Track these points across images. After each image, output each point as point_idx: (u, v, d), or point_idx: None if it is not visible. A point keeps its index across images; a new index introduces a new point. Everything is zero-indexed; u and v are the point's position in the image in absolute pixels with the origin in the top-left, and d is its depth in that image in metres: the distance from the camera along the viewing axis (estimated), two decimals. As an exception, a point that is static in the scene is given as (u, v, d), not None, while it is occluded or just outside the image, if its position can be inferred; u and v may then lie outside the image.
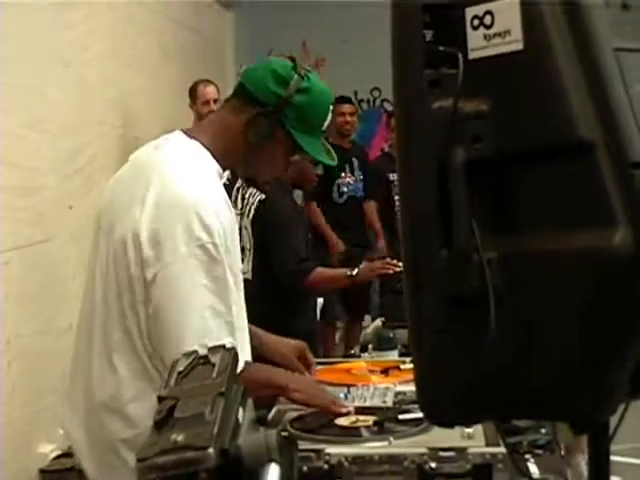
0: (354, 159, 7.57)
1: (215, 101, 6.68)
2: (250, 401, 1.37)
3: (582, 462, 3.06)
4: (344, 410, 2.67)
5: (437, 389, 1.73)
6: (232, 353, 1.36)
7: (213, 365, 1.33)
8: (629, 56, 1.59)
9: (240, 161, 2.49)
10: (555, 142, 1.55)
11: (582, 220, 1.55)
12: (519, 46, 1.57)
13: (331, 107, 2.55)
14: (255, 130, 2.40)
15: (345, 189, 7.47)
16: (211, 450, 1.19)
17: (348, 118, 7.54)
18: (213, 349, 1.37)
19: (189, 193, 2.32)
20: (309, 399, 2.68)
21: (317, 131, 2.51)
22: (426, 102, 1.63)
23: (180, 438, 1.16)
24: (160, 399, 1.26)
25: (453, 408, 1.72)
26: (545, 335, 1.63)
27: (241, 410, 1.29)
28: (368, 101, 10.18)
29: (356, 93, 9.94)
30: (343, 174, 7.43)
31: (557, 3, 1.55)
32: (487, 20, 1.60)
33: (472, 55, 1.61)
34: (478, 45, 1.61)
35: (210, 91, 6.77)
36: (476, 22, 1.61)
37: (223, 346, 1.39)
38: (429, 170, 1.62)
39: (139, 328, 2.32)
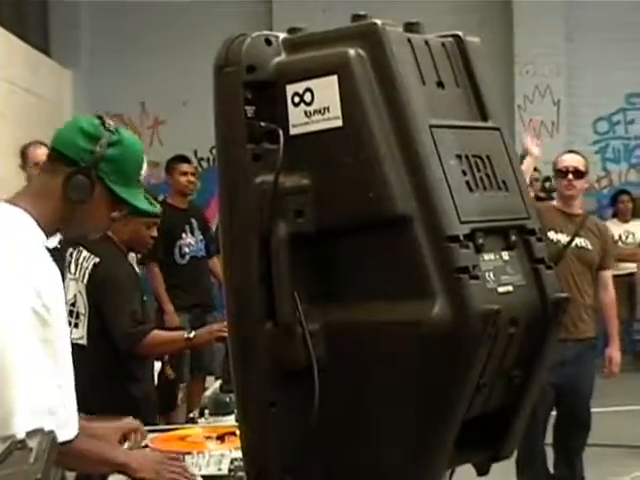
0: (192, 219, 7.53)
1: None
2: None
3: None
4: None
5: (265, 459, 1.73)
6: (50, 437, 1.33)
7: (30, 450, 1.30)
8: (444, 132, 1.65)
9: (64, 223, 2.47)
10: (373, 217, 1.59)
11: (402, 292, 1.59)
12: (338, 123, 1.61)
13: (144, 157, 2.57)
14: (73, 188, 2.41)
15: (187, 250, 7.40)
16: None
17: (190, 177, 7.51)
18: (31, 433, 1.34)
19: (14, 257, 2.29)
20: (156, 477, 2.60)
21: (134, 182, 2.52)
22: (248, 176, 1.65)
23: (-9, 530, 1.13)
24: (-27, 488, 1.22)
25: (282, 478, 1.72)
26: (372, 404, 1.66)
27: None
28: (208, 159, 10.20)
29: (196, 152, 9.95)
30: (184, 235, 7.38)
31: (375, 82, 1.60)
32: (307, 97, 1.64)
33: (293, 131, 1.65)
34: (299, 121, 1.64)
35: (40, 153, 6.53)
36: (297, 99, 1.64)
37: (42, 430, 1.36)
38: (251, 243, 1.64)
39: None
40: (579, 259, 4.62)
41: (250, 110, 1.66)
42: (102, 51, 10.10)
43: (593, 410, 4.83)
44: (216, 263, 7.59)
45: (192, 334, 4.20)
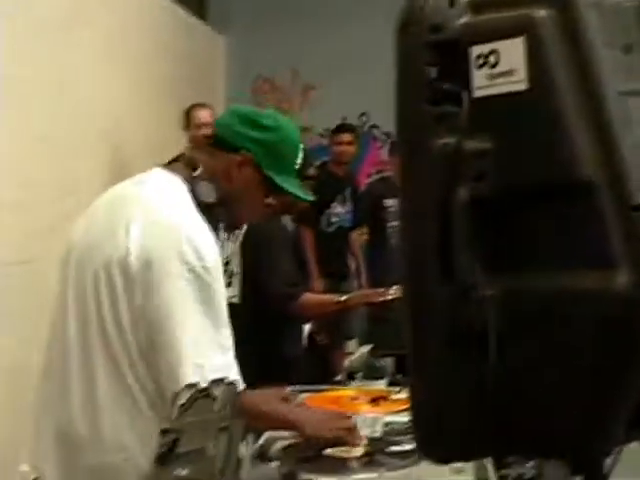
0: (347, 189, 7.58)
1: (208, 125, 6.63)
2: (250, 436, 1.37)
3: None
4: (358, 441, 2.66)
5: (434, 424, 1.72)
6: (233, 387, 1.36)
7: (214, 399, 1.33)
8: (632, 99, 1.60)
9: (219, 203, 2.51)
10: (557, 182, 1.56)
11: (583, 261, 1.56)
12: (523, 86, 1.58)
13: (301, 146, 2.59)
14: (229, 173, 2.47)
15: (334, 219, 7.46)
16: (214, 485, 1.19)
17: (346, 147, 7.55)
18: (214, 382, 1.37)
19: (176, 220, 2.35)
20: (325, 434, 2.62)
21: (290, 169, 2.55)
22: (429, 138, 1.63)
23: (184, 473, 1.16)
24: (162, 432, 1.26)
25: (450, 444, 1.72)
26: (546, 373, 1.63)
27: (242, 445, 1.29)
28: (357, 127, 10.22)
29: (345, 119, 9.97)
30: (333, 204, 7.42)
31: (563, 45, 1.56)
32: (492, 59, 1.61)
33: (476, 93, 1.62)
34: (482, 84, 1.62)
35: (204, 115, 6.75)
36: (481, 61, 1.62)
37: (223, 379, 1.39)
38: (430, 206, 1.63)
39: (129, 358, 2.27)
40: None
41: (432, 71, 1.65)
42: (257, 16, 10.18)
43: None
44: (354, 235, 7.62)
45: (344, 297, 4.24)
